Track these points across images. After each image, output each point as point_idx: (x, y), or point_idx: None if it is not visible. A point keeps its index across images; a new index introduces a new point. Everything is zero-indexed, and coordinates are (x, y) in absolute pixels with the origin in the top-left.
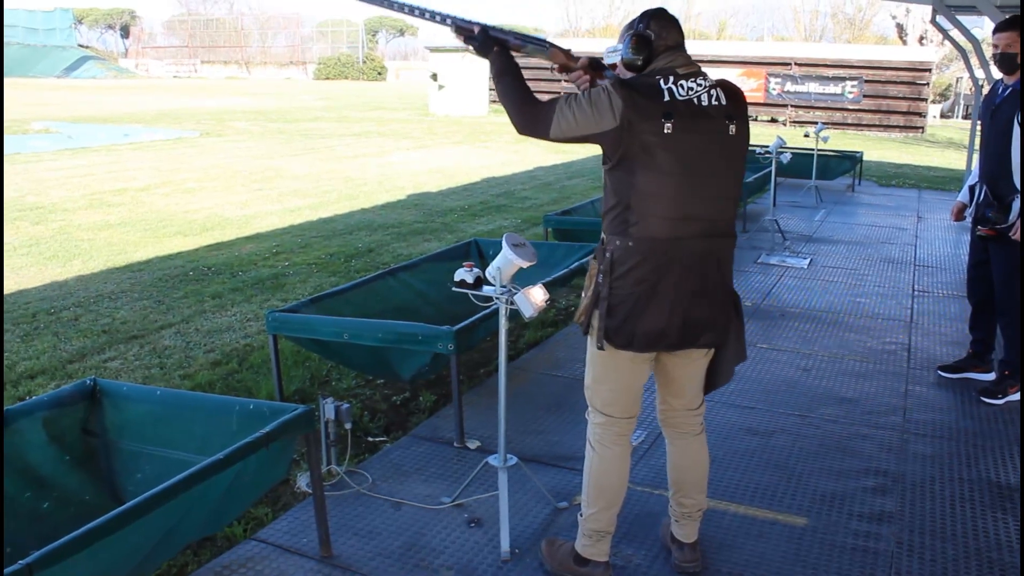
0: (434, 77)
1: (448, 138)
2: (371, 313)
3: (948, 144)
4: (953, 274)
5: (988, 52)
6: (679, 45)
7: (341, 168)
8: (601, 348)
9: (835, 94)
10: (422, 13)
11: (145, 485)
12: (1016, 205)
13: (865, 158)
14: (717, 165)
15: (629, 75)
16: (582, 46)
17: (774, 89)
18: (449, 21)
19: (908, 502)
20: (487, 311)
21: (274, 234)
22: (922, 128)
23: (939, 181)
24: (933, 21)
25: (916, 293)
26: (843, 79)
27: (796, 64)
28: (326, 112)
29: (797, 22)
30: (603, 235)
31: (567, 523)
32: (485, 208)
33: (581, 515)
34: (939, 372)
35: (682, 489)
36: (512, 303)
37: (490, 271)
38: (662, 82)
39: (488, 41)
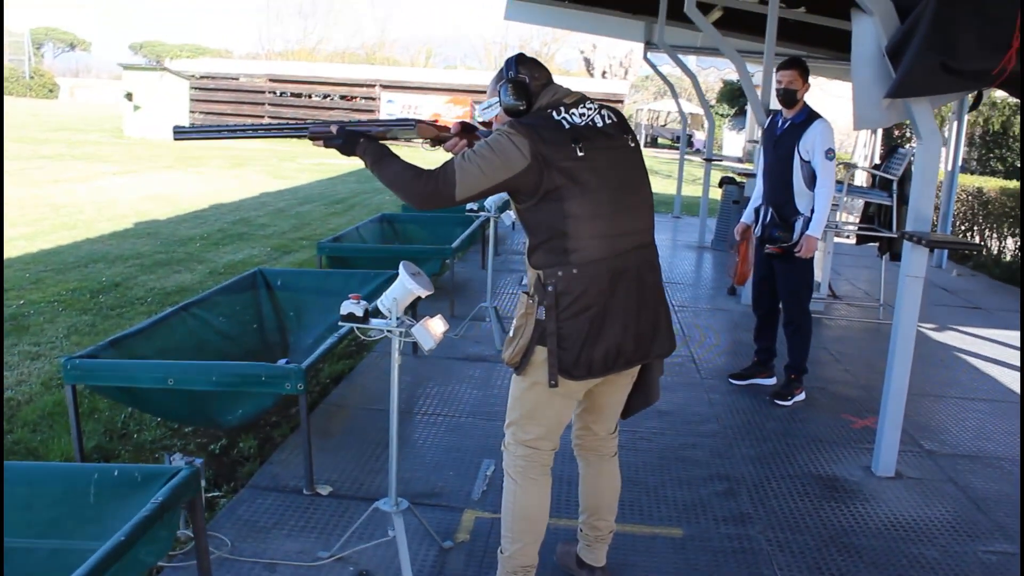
0: (129, 97)
1: (155, 162)
2: (175, 353)
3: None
4: (699, 289)
5: (710, 86)
6: (551, 81)
7: (44, 194)
8: (555, 385)
9: None
10: (280, 131)
11: None
12: (799, 225)
13: None
14: (631, 178)
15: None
16: (277, 69)
17: (479, 116)
18: (306, 132)
19: (758, 502)
20: (330, 343)
21: None
22: None
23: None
24: (645, 57)
25: (676, 308)
26: None
27: None
28: None
29: (488, 54)
30: (537, 272)
31: (459, 563)
32: (226, 236)
33: (503, 552)
34: (730, 380)
35: (597, 512)
36: (409, 335)
37: (384, 303)
38: (554, 114)
39: (351, 136)
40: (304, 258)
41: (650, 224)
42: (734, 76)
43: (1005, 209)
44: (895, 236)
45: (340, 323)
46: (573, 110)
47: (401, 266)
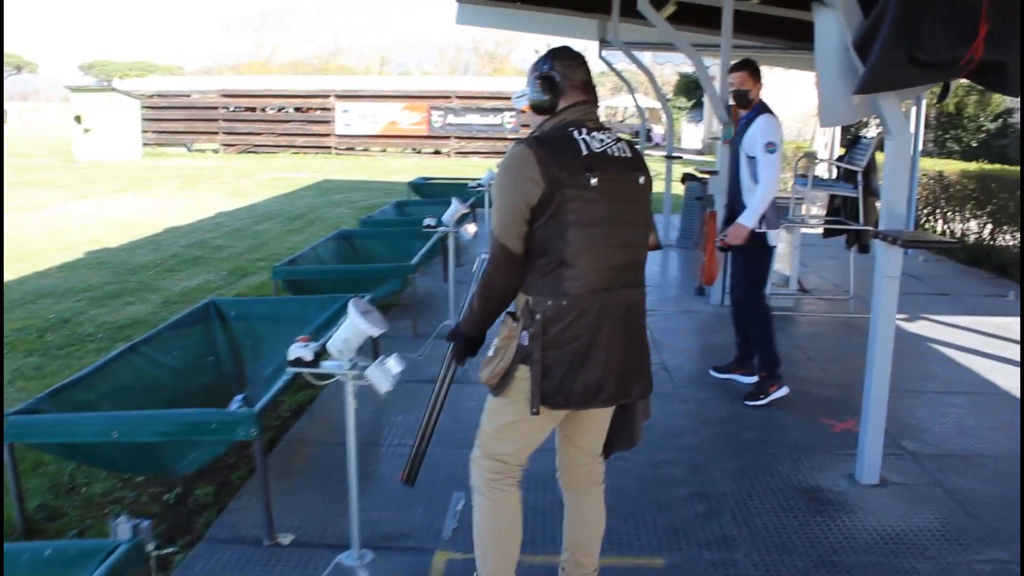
0: (78, 120)
1: (107, 185)
2: (125, 396)
3: None
4: (665, 290)
5: (665, 83)
6: (586, 84)
7: None
8: (537, 413)
9: (495, 124)
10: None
11: None
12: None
13: None
14: (632, 215)
15: (540, 119)
16: (229, 84)
17: (436, 122)
18: (455, 372)
19: (741, 522)
20: (281, 384)
21: None
22: None
23: None
24: (600, 55)
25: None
26: (501, 110)
27: (456, 97)
28: None
29: (441, 57)
30: (527, 297)
31: None
32: (180, 262)
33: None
34: (710, 371)
35: (582, 547)
36: (363, 378)
37: (334, 344)
38: (575, 133)
39: (455, 336)
40: (262, 280)
41: (641, 263)
42: (690, 69)
43: (967, 192)
44: (862, 229)
45: (288, 368)
46: (595, 133)
47: (350, 304)
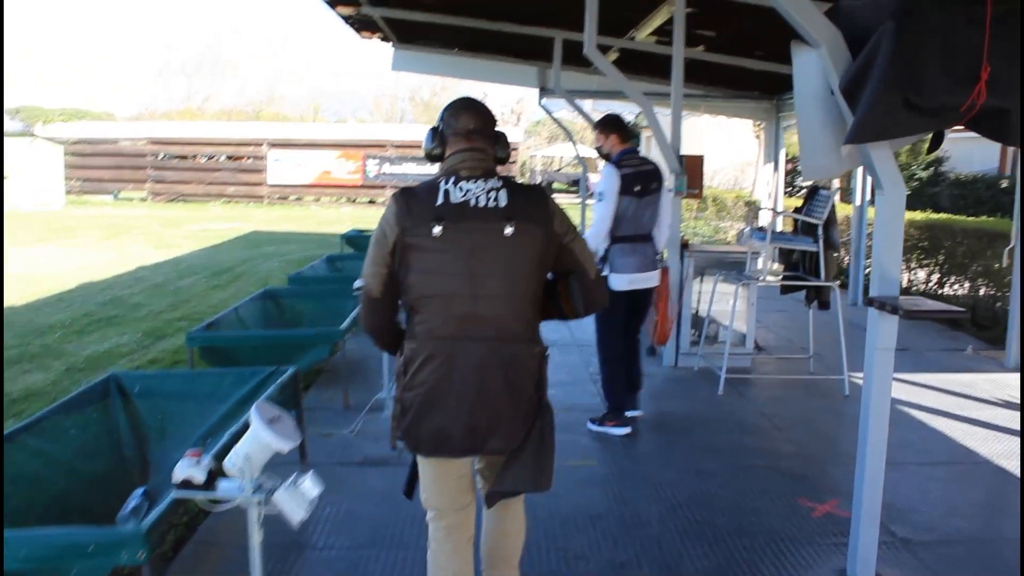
0: None
1: (23, 237)
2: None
3: None
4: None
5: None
6: (471, 131)
7: None
8: (393, 448)
9: (432, 173)
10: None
11: None
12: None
13: None
14: (495, 266)
15: (435, 168)
16: (159, 130)
17: (372, 171)
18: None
19: None
20: (167, 504)
21: None
22: None
23: None
24: (540, 103)
25: (593, 376)
26: None
27: (392, 146)
28: None
29: (377, 106)
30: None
31: None
32: (92, 322)
33: None
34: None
35: (495, 563)
36: (270, 504)
37: (233, 462)
38: (442, 183)
39: None
40: (179, 343)
41: (511, 316)
42: (631, 118)
43: (913, 241)
44: (824, 285)
45: (175, 492)
46: (463, 183)
47: (253, 412)
